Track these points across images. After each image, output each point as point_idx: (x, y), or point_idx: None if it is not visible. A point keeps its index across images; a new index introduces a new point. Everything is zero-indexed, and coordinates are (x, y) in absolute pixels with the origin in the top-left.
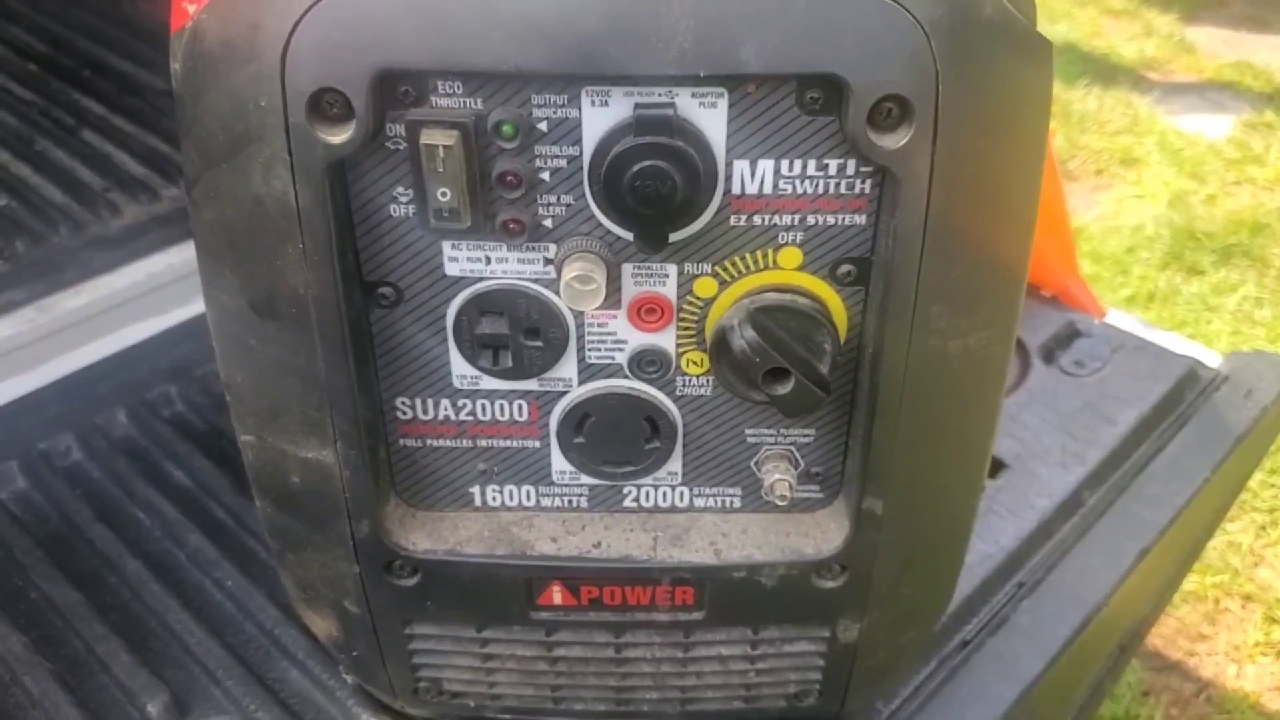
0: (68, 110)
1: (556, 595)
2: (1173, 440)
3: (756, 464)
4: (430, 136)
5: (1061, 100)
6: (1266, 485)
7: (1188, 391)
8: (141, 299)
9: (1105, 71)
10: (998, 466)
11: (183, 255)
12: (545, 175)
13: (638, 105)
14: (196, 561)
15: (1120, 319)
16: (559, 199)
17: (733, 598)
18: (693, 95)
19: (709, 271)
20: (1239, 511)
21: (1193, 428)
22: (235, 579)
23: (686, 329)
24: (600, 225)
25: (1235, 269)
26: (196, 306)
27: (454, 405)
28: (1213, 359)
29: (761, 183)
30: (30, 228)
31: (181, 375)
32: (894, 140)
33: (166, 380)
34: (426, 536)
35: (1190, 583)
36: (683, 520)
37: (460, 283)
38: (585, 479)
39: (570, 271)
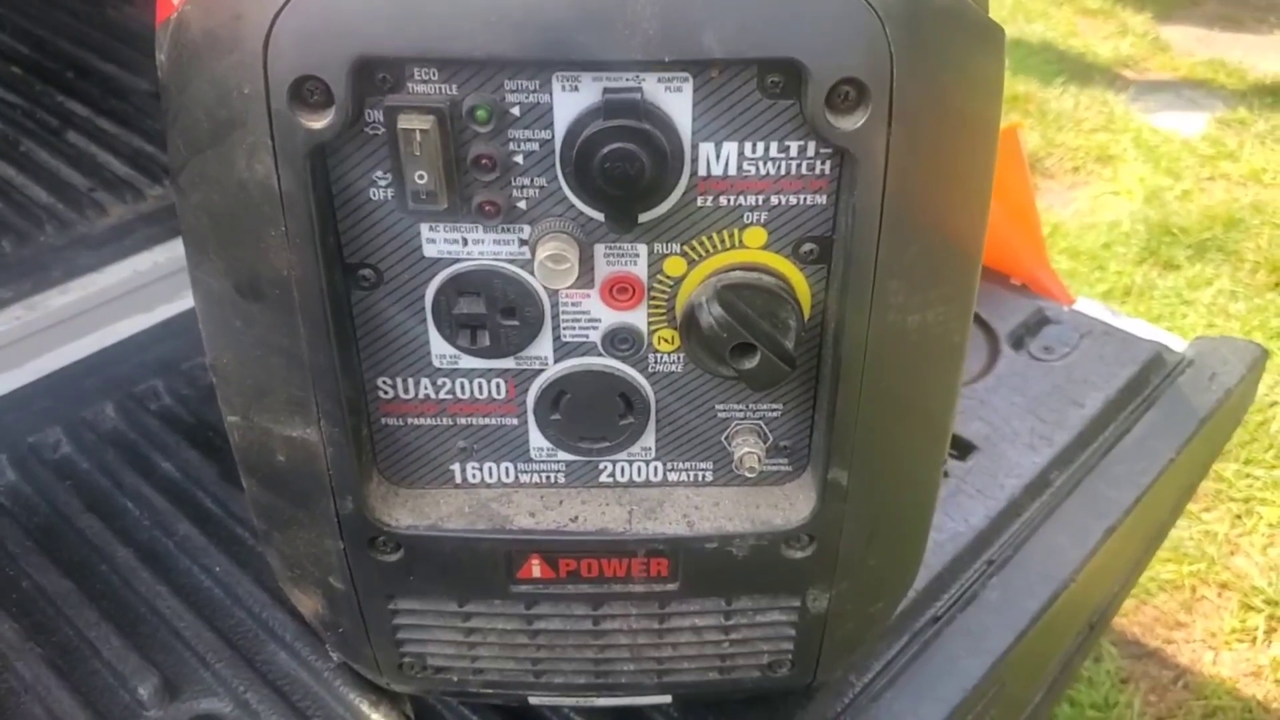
0: (52, 112)
1: (535, 568)
2: (1138, 422)
3: (727, 438)
4: (407, 121)
5: (1038, 99)
6: (1242, 475)
7: (1153, 375)
8: (127, 296)
9: (1081, 70)
10: (968, 449)
11: (168, 253)
12: (519, 158)
13: (606, 90)
14: (185, 549)
15: (1088, 306)
16: (532, 181)
17: (706, 568)
18: (659, 80)
19: (678, 251)
20: (1214, 501)
21: (1158, 410)
22: (223, 565)
23: (657, 307)
24: (572, 207)
25: (1210, 264)
26: (181, 303)
27: (434, 384)
28: (1178, 344)
29: (726, 164)
30: (17, 227)
31: (168, 369)
32: (851, 122)
33: (153, 374)
34: (408, 513)
35: (1167, 571)
36: (657, 494)
37: (438, 264)
38: (562, 455)
39: (544, 251)
